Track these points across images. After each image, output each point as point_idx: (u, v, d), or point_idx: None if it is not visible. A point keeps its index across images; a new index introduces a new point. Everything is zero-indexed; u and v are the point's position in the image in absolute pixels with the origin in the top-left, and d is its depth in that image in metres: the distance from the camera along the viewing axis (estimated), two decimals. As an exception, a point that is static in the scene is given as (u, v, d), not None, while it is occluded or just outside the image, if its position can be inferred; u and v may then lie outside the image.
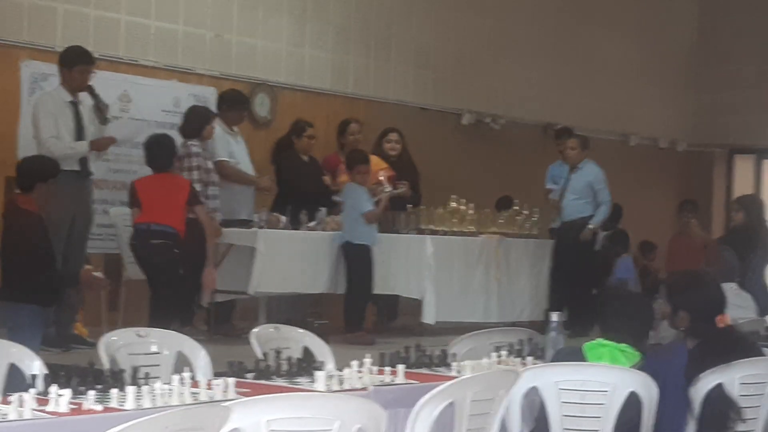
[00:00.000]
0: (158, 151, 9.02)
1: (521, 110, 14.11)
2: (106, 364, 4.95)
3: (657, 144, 16.03)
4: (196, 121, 9.54)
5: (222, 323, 9.77)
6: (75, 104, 8.76)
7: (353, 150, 10.56)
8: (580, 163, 11.18)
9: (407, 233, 10.55)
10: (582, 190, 11.14)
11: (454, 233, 10.87)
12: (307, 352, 5.58)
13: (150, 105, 10.69)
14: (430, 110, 13.27)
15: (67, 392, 3.78)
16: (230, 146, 10.02)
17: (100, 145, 8.88)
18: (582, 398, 4.67)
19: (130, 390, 3.92)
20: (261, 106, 11.71)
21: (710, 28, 16.48)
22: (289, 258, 9.75)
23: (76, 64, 8.71)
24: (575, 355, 4.95)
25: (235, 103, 10.24)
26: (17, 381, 4.59)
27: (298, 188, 10.31)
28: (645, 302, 5.36)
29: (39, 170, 7.75)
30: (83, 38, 9.76)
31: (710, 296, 5.24)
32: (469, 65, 13.57)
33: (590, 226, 11.10)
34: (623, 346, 4.91)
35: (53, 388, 3.80)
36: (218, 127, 9.90)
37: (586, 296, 10.60)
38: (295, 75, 11.96)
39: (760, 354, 5.25)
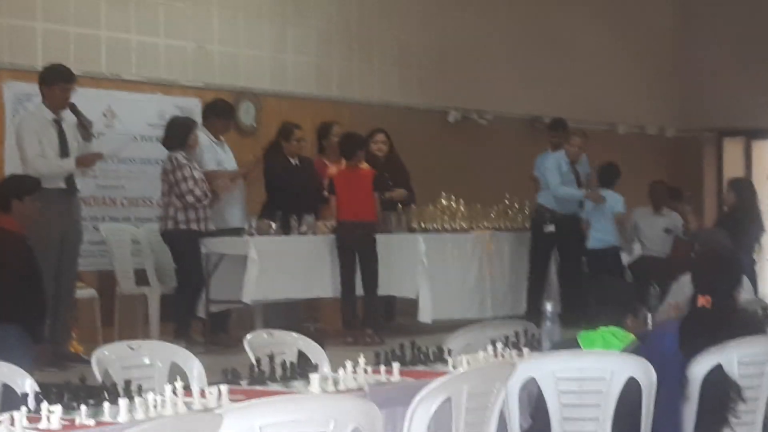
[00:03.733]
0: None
1: (507, 104, 14.11)
2: (99, 378, 4.91)
3: (645, 131, 16.03)
4: (179, 132, 9.51)
5: (218, 333, 9.74)
6: (58, 122, 8.72)
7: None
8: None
9: (399, 233, 10.52)
10: (584, 184, 11.27)
11: (445, 230, 10.85)
12: (302, 356, 5.55)
13: (135, 119, 10.68)
14: (416, 109, 13.25)
15: (58, 409, 3.74)
16: (218, 155, 9.99)
17: (87, 162, 8.84)
18: (580, 386, 4.64)
19: (123, 403, 3.88)
20: (246, 114, 11.69)
21: (692, 10, 16.48)
22: (282, 264, 9.71)
23: (56, 82, 8.67)
24: (570, 346, 4.94)
25: (220, 112, 10.20)
26: (10, 401, 4.56)
27: (287, 192, 10.26)
28: (623, 287, 5.41)
29: (13, 188, 7.73)
30: (64, 56, 9.73)
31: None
32: (452, 62, 13.55)
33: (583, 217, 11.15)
34: (613, 329, 4.90)
35: (44, 406, 3.76)
36: (205, 137, 9.88)
37: (579, 284, 10.63)
38: (279, 81, 11.95)
39: (762, 332, 5.23)
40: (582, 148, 11.28)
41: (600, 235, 11.25)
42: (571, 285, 10.87)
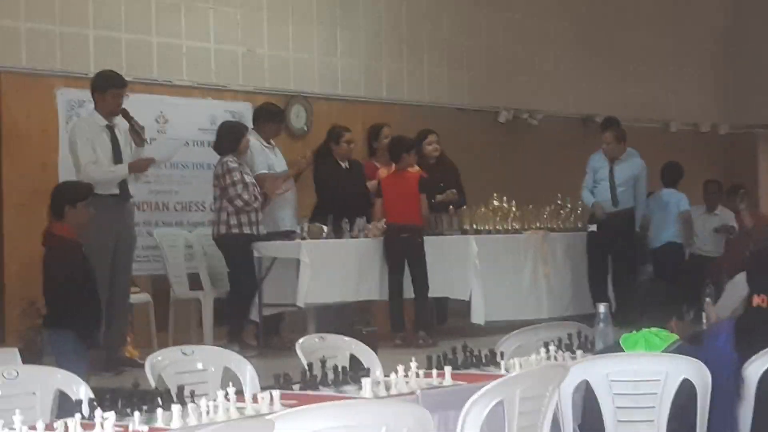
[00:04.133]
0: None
1: (558, 104, 14.04)
2: (153, 384, 4.94)
3: (698, 128, 15.88)
4: (230, 137, 9.57)
5: (271, 336, 9.77)
6: (111, 128, 8.79)
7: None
8: (622, 155, 11.19)
9: (451, 234, 10.50)
10: (626, 182, 11.14)
11: (498, 231, 10.81)
12: (354, 360, 5.55)
13: (186, 124, 10.74)
14: (467, 110, 13.22)
15: (111, 415, 3.76)
16: (269, 159, 10.02)
17: (139, 167, 8.90)
18: (635, 389, 4.60)
19: (176, 409, 3.90)
20: (297, 117, 11.71)
21: (744, 5, 16.31)
22: (334, 267, 9.73)
23: (108, 88, 8.74)
24: (615, 348, 4.91)
25: (270, 116, 10.24)
26: (67, 407, 4.59)
27: (337, 195, 10.27)
28: (661, 288, 5.37)
29: (66, 194, 7.81)
30: (116, 62, 9.80)
31: None
32: (503, 62, 13.51)
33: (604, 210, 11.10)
34: (655, 330, 4.86)
35: (98, 412, 3.79)
36: (256, 142, 9.91)
37: (632, 285, 10.57)
38: (329, 84, 11.96)
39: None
40: (610, 143, 11.20)
41: (663, 234, 11.25)
42: (623, 285, 10.80)
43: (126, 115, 8.83)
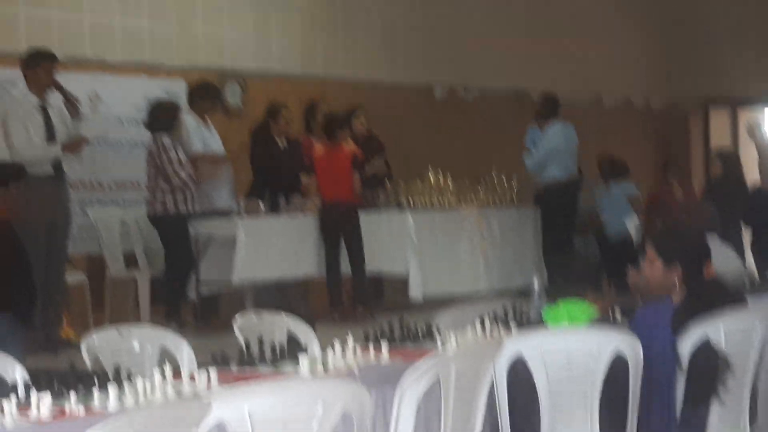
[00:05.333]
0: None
1: (493, 79, 14.08)
2: (89, 365, 4.93)
3: (631, 103, 16.01)
4: (164, 115, 9.51)
5: (209, 314, 9.76)
6: (44, 107, 8.70)
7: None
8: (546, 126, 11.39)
9: (387, 209, 10.54)
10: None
11: (434, 206, 10.87)
12: (292, 337, 5.56)
13: (120, 102, 10.67)
14: (402, 86, 13.23)
15: (47, 397, 3.75)
16: (204, 137, 9.99)
17: (73, 147, 8.83)
18: (568, 361, 4.65)
19: (112, 389, 3.89)
20: (232, 95, 11.68)
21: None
22: (271, 244, 9.74)
23: (38, 63, 8.65)
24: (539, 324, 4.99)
25: (205, 94, 10.20)
26: (2, 389, 4.56)
27: (274, 172, 10.28)
28: (582, 262, 5.45)
29: None
30: (48, 40, 9.70)
31: (700, 244, 5.24)
32: (437, 38, 13.52)
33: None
34: (577, 302, 4.93)
35: (34, 394, 3.77)
36: (191, 119, 9.87)
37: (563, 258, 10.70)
38: (264, 61, 11.91)
39: (746, 304, 5.24)
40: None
41: (620, 228, 11.56)
42: (552, 258, 10.92)
43: (59, 88, 8.74)
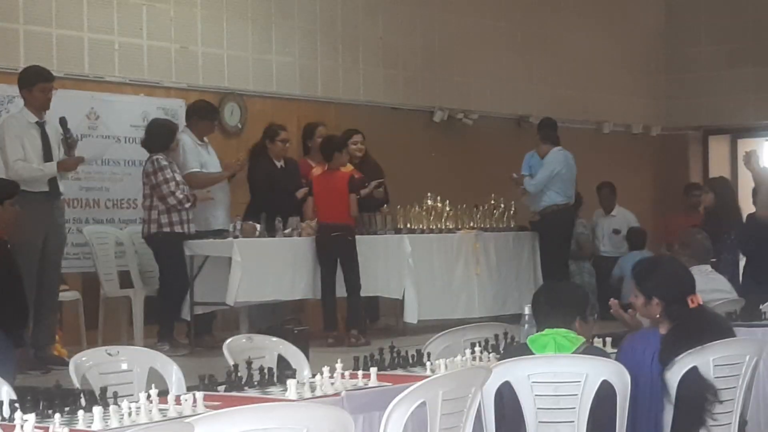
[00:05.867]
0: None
1: (493, 104, 14.11)
2: (77, 384, 4.91)
3: (631, 130, 16.03)
4: (161, 135, 9.51)
5: (203, 335, 9.73)
6: (41, 125, 8.70)
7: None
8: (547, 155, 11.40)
9: (384, 233, 10.53)
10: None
11: (431, 231, 10.87)
12: (282, 360, 5.55)
13: (118, 121, 10.66)
14: (402, 109, 13.24)
15: (31, 417, 3.73)
16: (201, 157, 9.97)
17: (69, 166, 8.82)
18: (555, 390, 4.64)
19: (97, 410, 3.88)
20: (231, 115, 11.68)
21: (678, 9, 16.48)
22: (267, 266, 9.71)
23: (35, 83, 8.64)
24: (522, 350, 4.94)
25: (204, 113, 10.19)
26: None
27: (272, 194, 10.26)
28: (571, 289, 5.43)
29: None
30: (47, 58, 9.73)
31: (679, 277, 5.24)
32: (438, 62, 13.55)
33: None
34: (563, 331, 4.90)
35: (18, 414, 3.76)
36: (189, 139, 9.87)
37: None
38: (264, 82, 11.93)
39: (733, 334, 5.23)
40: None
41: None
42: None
43: (63, 125, 8.75)
